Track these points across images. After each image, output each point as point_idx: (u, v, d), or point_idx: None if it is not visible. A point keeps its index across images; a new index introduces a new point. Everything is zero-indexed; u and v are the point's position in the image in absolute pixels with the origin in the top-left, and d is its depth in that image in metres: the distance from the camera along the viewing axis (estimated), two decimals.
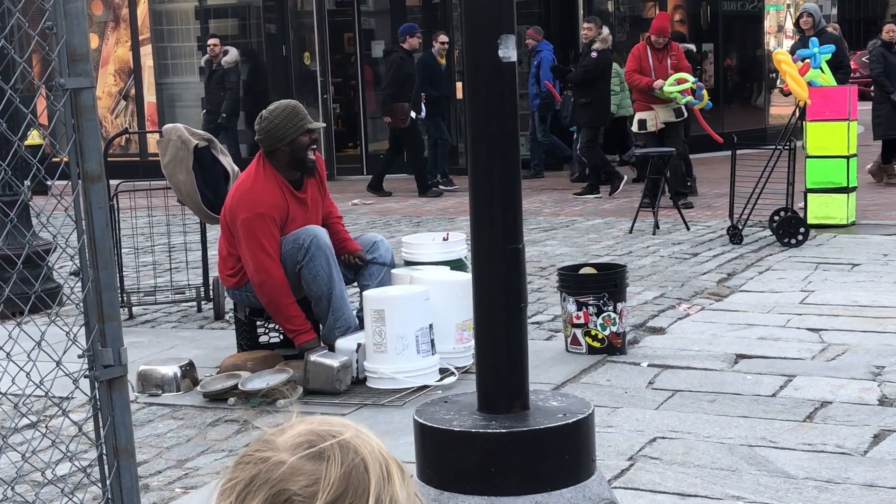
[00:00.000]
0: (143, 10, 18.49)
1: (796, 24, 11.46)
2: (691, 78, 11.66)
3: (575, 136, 13.98)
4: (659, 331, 6.48)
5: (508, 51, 3.23)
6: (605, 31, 13.32)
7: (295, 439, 1.28)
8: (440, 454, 3.24)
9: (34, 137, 11.55)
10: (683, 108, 11.84)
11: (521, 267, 3.32)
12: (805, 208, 9.74)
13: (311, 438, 1.27)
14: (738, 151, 9.58)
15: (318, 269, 5.65)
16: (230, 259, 5.87)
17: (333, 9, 17.98)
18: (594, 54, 13.03)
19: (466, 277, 5.85)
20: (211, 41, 16.01)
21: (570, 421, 3.19)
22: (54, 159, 3.19)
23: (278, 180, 5.77)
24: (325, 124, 6.00)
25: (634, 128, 12.00)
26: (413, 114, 13.89)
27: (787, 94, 11.22)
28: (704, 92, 11.84)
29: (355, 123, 17.72)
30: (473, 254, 3.38)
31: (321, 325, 5.82)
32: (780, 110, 17.43)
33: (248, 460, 1.29)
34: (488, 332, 3.31)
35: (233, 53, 15.91)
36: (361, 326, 5.69)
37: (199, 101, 17.16)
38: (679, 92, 11.49)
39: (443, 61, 14.94)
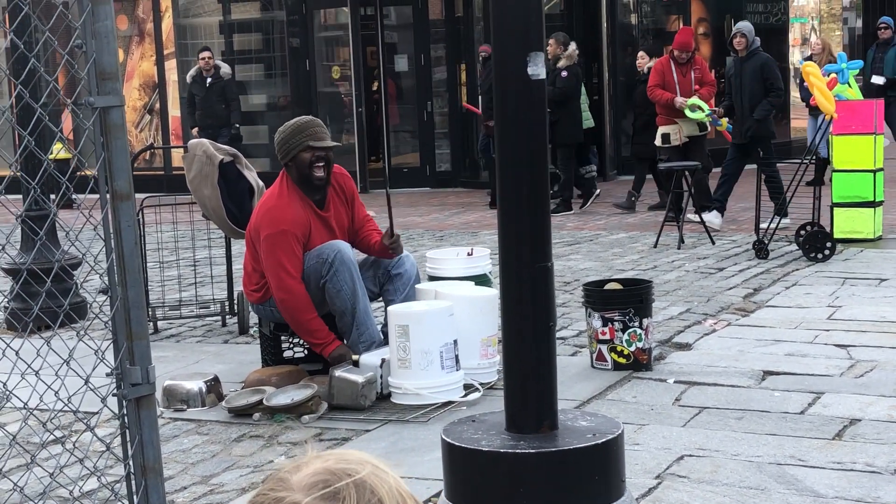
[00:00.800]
0: (167, 24, 18.59)
1: (730, 43, 11.43)
2: (706, 108, 11.57)
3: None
4: (685, 347, 6.44)
5: (538, 68, 3.22)
6: (571, 47, 13.39)
7: (310, 479, 1.25)
8: (469, 474, 3.22)
9: (60, 152, 11.60)
10: (708, 123, 11.81)
11: (550, 285, 3.30)
12: (831, 222, 9.68)
13: (327, 478, 1.24)
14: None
15: (343, 283, 5.65)
16: (255, 275, 5.88)
17: (356, 22, 18.01)
18: (564, 73, 13.14)
19: (491, 293, 5.85)
20: (204, 54, 15.50)
21: (600, 441, 3.17)
22: (79, 173, 3.20)
23: (301, 198, 5.78)
24: (335, 144, 5.94)
25: (658, 142, 11.93)
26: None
27: (812, 106, 11.21)
28: (723, 120, 11.73)
29: (377, 137, 17.74)
30: (502, 272, 3.36)
31: (345, 340, 5.82)
32: (801, 123, 17.35)
33: (263, 500, 1.26)
34: (517, 351, 3.29)
35: (225, 67, 15.70)
36: (386, 342, 5.68)
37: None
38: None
39: None
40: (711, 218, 10.92)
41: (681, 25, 18.07)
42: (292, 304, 5.69)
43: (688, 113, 11.44)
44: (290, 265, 5.67)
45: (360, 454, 1.29)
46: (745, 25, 11.51)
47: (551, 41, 13.28)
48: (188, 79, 15.86)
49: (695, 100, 11.55)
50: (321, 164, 5.79)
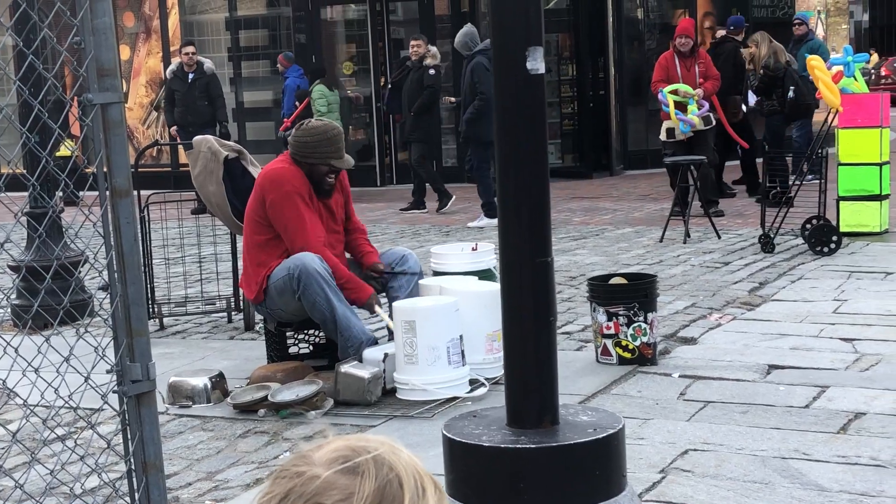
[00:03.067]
0: (174, 21, 18.61)
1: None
2: (690, 91, 11.51)
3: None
4: (690, 341, 6.43)
5: (537, 63, 3.21)
6: (434, 48, 13.71)
7: (330, 454, 1.28)
8: (469, 469, 3.22)
9: (64, 149, 11.61)
10: (712, 116, 11.76)
11: (550, 280, 3.29)
12: (837, 216, 9.66)
13: (346, 453, 1.28)
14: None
15: (315, 295, 5.66)
16: (254, 273, 5.90)
17: (363, 18, 18.02)
18: (432, 71, 13.33)
19: (496, 288, 5.82)
20: (188, 48, 14.65)
21: (601, 436, 3.16)
22: (86, 170, 3.20)
23: (305, 181, 5.84)
24: (352, 164, 6.01)
25: (662, 136, 11.88)
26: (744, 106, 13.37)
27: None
28: (696, 119, 11.58)
29: (381, 133, 17.73)
30: (502, 267, 3.36)
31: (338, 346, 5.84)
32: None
33: (285, 475, 1.29)
34: (517, 346, 3.29)
35: (209, 62, 14.99)
36: (391, 337, 5.70)
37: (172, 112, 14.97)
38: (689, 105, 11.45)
39: None
40: None
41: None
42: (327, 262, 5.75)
43: (669, 101, 11.36)
44: (310, 220, 5.75)
45: (380, 437, 1.32)
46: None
47: (418, 41, 13.51)
48: (168, 74, 15.11)
49: (681, 85, 11.50)
50: (333, 175, 5.88)
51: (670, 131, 11.69)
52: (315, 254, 5.69)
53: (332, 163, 5.84)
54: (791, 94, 12.49)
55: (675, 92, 11.43)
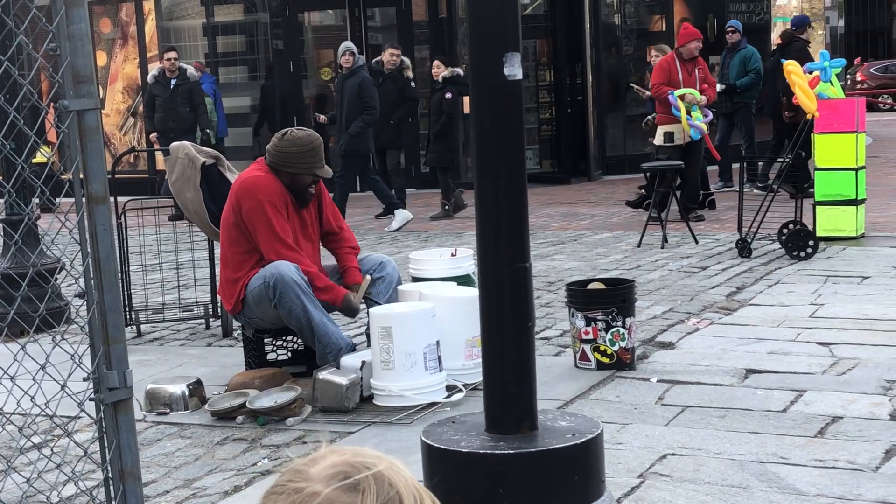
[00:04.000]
0: (150, 27, 18.55)
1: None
2: (698, 97, 11.49)
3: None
4: (668, 346, 6.45)
5: (514, 68, 3.22)
6: (407, 60, 13.91)
7: (329, 470, 1.26)
8: (448, 475, 3.21)
9: (40, 155, 11.54)
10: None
11: (529, 286, 3.30)
12: (814, 221, 9.70)
13: (346, 469, 1.25)
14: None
15: (291, 304, 5.65)
16: (231, 284, 5.88)
17: (341, 24, 18.02)
18: (414, 84, 13.73)
19: (474, 293, 5.83)
20: (170, 54, 14.55)
21: (579, 441, 3.17)
22: (62, 177, 3.19)
23: (282, 190, 5.83)
24: (332, 173, 6.02)
25: (659, 140, 11.72)
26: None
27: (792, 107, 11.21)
28: (703, 125, 11.56)
29: None
30: (480, 272, 3.36)
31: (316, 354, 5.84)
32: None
33: (281, 491, 1.26)
34: (496, 352, 3.29)
35: (192, 69, 14.95)
36: (354, 345, 5.72)
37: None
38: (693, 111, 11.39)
39: None
40: None
41: (663, 26, 18.13)
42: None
43: (680, 105, 11.27)
44: (283, 229, 5.73)
45: (375, 451, 1.31)
46: (349, 45, 12.39)
47: (398, 51, 13.62)
48: (149, 79, 14.99)
49: (689, 90, 11.42)
50: (314, 185, 5.88)
51: (668, 135, 11.54)
52: (290, 262, 5.68)
53: (316, 172, 5.83)
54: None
55: (681, 97, 11.37)
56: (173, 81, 14.45)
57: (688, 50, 11.78)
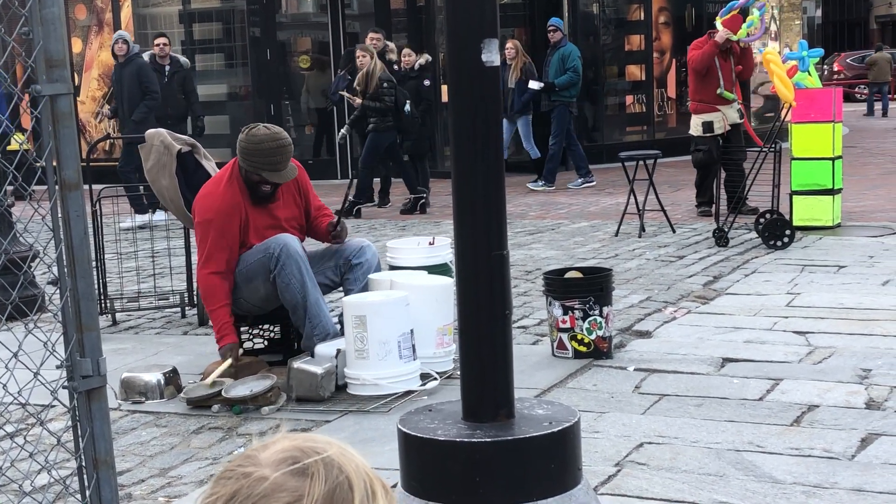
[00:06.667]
0: (126, 14, 18.43)
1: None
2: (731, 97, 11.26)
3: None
4: (645, 334, 6.45)
5: (492, 55, 3.20)
6: (392, 43, 13.95)
7: (278, 455, 1.25)
8: (425, 464, 3.20)
9: (14, 142, 11.45)
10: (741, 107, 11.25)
11: (506, 273, 3.28)
12: (790, 210, 9.73)
13: (295, 454, 1.24)
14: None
15: (291, 277, 5.62)
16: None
17: (318, 12, 17.95)
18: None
19: (446, 282, 5.83)
20: (160, 40, 14.17)
21: (556, 429, 3.16)
22: (35, 163, 3.15)
23: (242, 189, 5.76)
24: (290, 178, 5.80)
25: (697, 131, 11.03)
26: None
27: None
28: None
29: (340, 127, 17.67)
30: (457, 260, 3.34)
31: (302, 333, 5.79)
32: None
33: (230, 475, 1.25)
34: (473, 339, 3.27)
35: (183, 58, 14.70)
36: (342, 333, 5.66)
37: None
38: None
39: None
40: None
41: (641, 15, 18.13)
42: (204, 292, 5.80)
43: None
44: (215, 253, 5.70)
45: (327, 437, 1.29)
46: (124, 34, 12.58)
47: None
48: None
49: (726, 93, 11.08)
50: (267, 187, 5.80)
51: (708, 125, 10.87)
52: (216, 270, 5.70)
53: (263, 174, 5.71)
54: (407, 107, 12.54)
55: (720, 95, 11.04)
56: (167, 68, 14.19)
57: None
